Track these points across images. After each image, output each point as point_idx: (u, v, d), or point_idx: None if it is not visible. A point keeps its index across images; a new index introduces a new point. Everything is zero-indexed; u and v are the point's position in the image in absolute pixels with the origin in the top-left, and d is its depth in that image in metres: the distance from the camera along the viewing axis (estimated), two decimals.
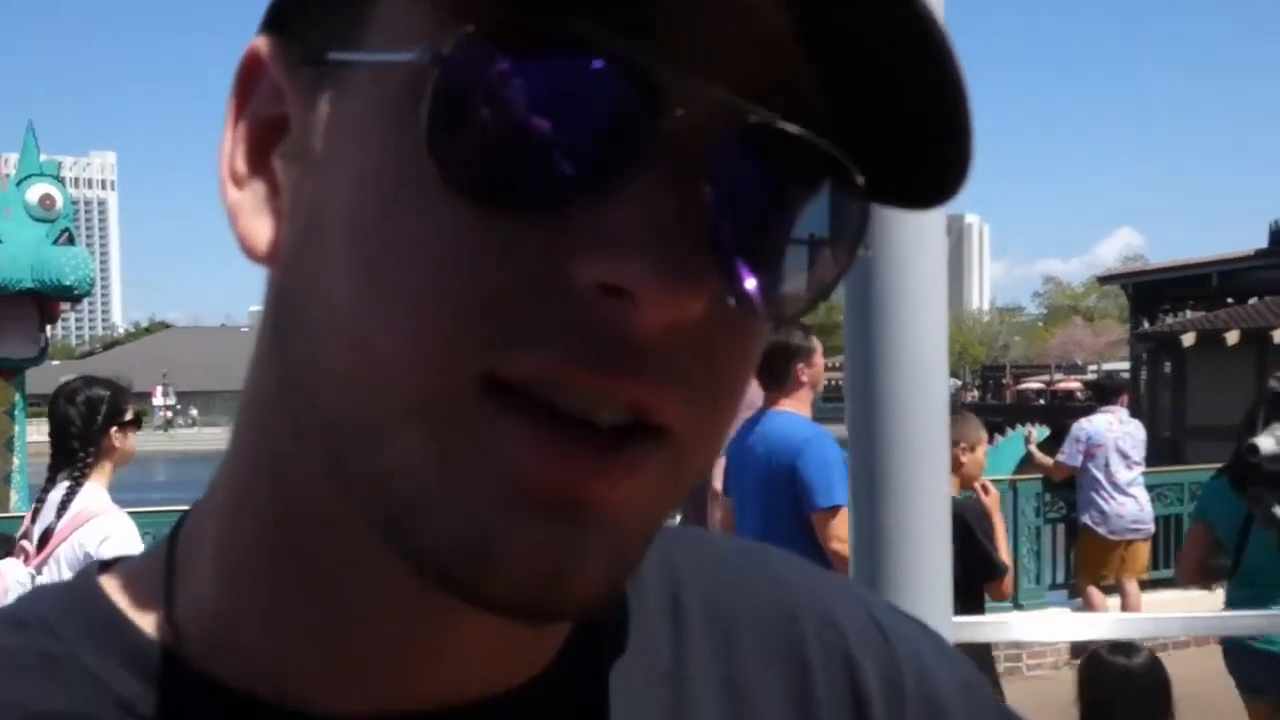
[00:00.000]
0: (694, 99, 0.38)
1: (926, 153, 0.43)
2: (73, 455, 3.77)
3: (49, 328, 9.72)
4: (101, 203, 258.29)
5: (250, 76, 0.47)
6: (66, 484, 3.77)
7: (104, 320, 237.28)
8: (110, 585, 0.52)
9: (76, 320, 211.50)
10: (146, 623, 0.50)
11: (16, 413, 9.60)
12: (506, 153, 0.38)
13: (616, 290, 0.38)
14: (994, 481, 5.62)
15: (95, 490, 3.78)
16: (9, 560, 3.74)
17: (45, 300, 9.37)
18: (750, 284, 0.41)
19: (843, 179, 0.42)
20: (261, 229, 0.46)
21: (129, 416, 3.94)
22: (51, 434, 3.82)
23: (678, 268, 0.38)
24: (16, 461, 9.51)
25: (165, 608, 0.50)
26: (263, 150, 0.46)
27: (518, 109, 0.38)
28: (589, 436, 0.39)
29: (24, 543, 3.81)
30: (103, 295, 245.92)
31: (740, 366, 0.44)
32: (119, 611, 0.50)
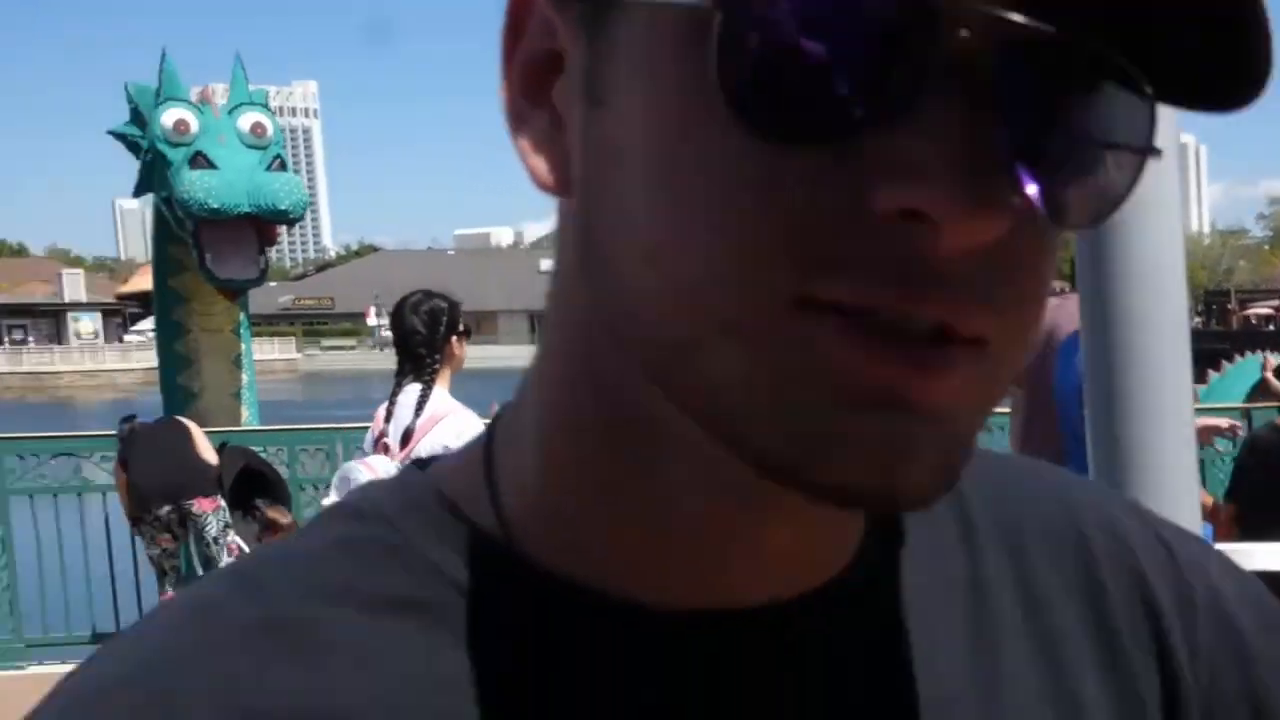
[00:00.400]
0: (977, 18, 0.39)
1: (1220, 47, 0.41)
2: (420, 361, 4.23)
3: (267, 250, 10.17)
4: (306, 130, 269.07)
5: (520, 13, 0.48)
6: (418, 387, 4.24)
7: (315, 243, 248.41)
8: (437, 480, 0.54)
9: (290, 244, 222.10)
10: (476, 514, 0.52)
11: (242, 331, 10.12)
12: (795, 85, 0.39)
13: (918, 215, 0.39)
14: (1225, 409, 5.33)
15: (441, 393, 4.24)
16: (378, 456, 4.26)
17: (262, 224, 9.75)
18: (1044, 198, 0.41)
19: (1130, 84, 0.42)
20: (548, 162, 0.48)
21: (463, 327, 4.38)
22: (397, 342, 4.32)
23: (976, 189, 0.39)
24: (245, 378, 10.05)
25: (491, 501, 0.52)
26: (541, 85, 0.48)
27: (802, 40, 0.39)
28: (907, 340, 0.40)
29: (385, 440, 4.31)
30: (313, 219, 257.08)
31: (1040, 278, 0.45)
32: (450, 503, 0.53)
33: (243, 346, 10.11)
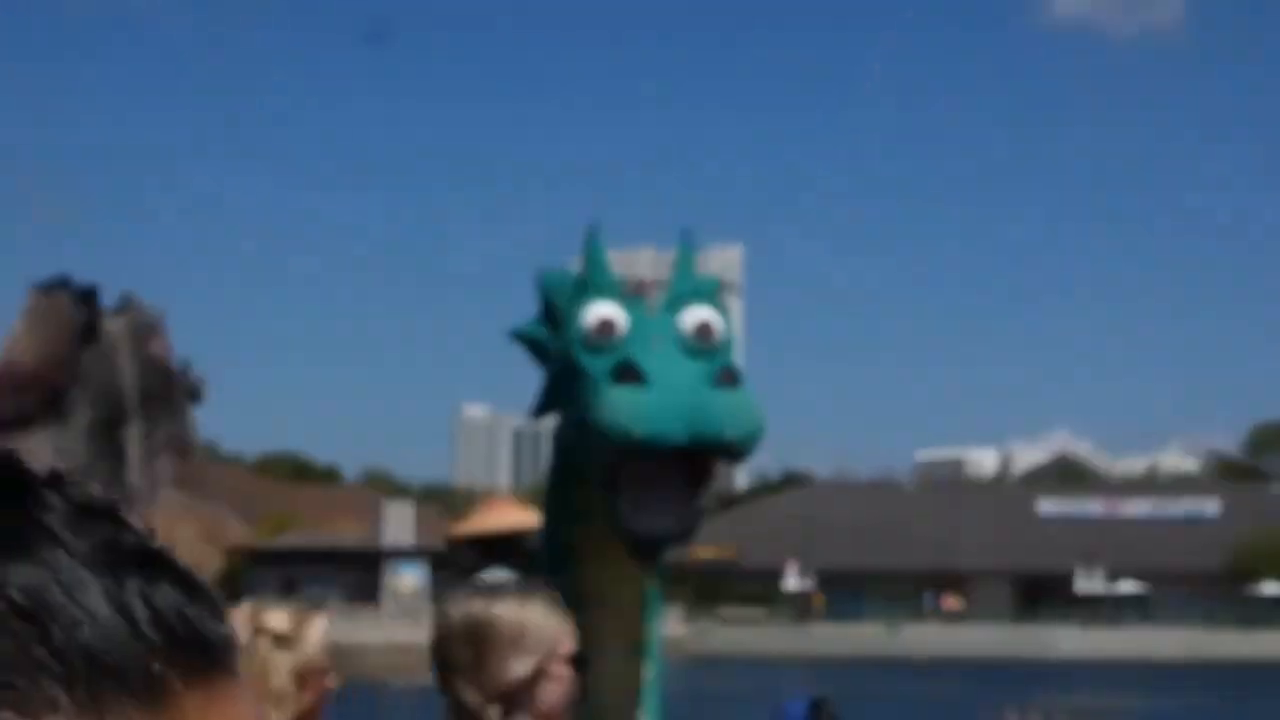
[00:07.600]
0: None
1: None
2: None
3: (700, 495, 7.71)
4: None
5: None
6: None
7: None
8: None
9: None
10: None
11: (650, 607, 7.74)
12: None
13: None
14: None
15: None
16: None
17: (697, 459, 7.37)
18: None
19: None
20: None
21: None
22: None
23: None
24: (647, 672, 7.67)
25: None
26: None
27: None
28: None
29: None
30: None
31: None
32: None
33: (648, 629, 7.76)
